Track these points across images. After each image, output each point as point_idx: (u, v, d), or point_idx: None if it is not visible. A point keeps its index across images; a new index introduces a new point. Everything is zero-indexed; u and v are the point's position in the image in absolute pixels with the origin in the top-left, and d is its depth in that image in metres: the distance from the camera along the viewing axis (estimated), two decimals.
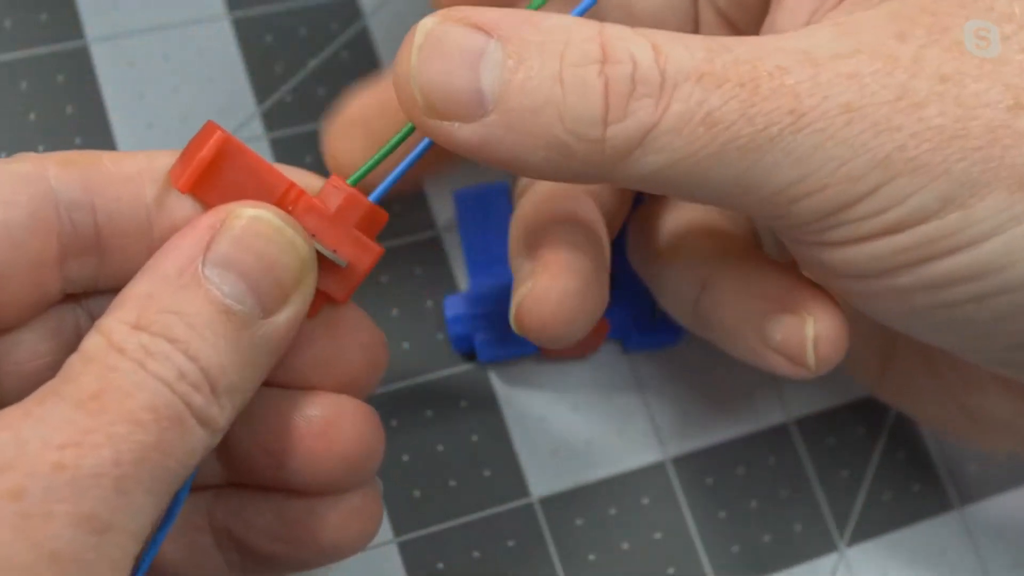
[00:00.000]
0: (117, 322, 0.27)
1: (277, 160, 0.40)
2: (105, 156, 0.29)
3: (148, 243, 0.29)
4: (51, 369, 0.27)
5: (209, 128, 0.29)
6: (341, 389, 0.31)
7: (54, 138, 0.39)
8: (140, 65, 0.41)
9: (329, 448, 0.30)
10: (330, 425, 0.30)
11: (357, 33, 0.43)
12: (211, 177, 0.29)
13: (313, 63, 0.42)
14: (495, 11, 0.29)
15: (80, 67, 0.40)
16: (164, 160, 0.29)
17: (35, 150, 0.39)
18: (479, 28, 0.28)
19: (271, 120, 0.41)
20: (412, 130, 0.30)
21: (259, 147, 0.40)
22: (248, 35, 0.42)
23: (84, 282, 0.29)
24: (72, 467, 0.24)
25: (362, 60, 0.42)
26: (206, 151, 0.29)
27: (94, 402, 0.25)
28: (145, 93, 0.40)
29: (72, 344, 0.27)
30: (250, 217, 0.28)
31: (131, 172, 0.29)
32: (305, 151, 0.41)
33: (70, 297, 0.30)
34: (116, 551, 0.25)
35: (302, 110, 0.41)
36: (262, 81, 0.41)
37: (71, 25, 0.40)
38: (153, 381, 0.26)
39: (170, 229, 0.29)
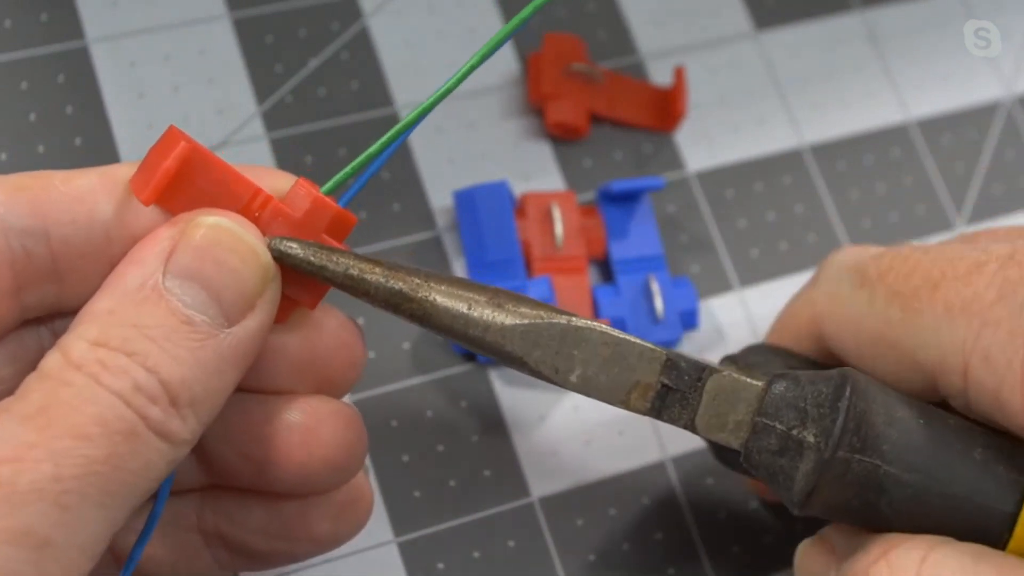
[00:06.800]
0: (77, 338, 0.26)
1: (277, 161, 0.40)
2: (56, 176, 0.28)
3: (108, 259, 0.28)
4: (11, 394, 0.26)
5: (173, 135, 0.28)
6: (319, 389, 0.31)
7: (54, 138, 0.39)
8: (140, 65, 0.41)
9: (310, 455, 0.30)
10: (309, 432, 0.30)
11: (357, 33, 0.43)
12: (175, 187, 0.28)
13: (313, 63, 0.42)
14: None
15: (80, 67, 0.40)
16: (121, 172, 0.29)
17: (35, 150, 0.39)
18: None
19: (271, 120, 0.41)
20: (391, 141, 0.30)
21: (259, 147, 0.40)
22: (248, 35, 0.42)
23: (45, 308, 0.29)
24: (7, 483, 0.24)
25: (362, 60, 0.42)
26: (171, 161, 0.28)
27: (41, 416, 0.25)
28: (145, 93, 0.40)
29: (35, 366, 0.26)
30: (209, 226, 0.27)
31: (84, 191, 0.28)
32: (305, 151, 0.41)
33: (31, 320, 0.29)
34: (56, 566, 0.24)
35: (302, 110, 0.41)
36: (262, 81, 0.41)
37: (71, 25, 0.40)
38: (106, 394, 0.25)
39: (131, 240, 0.28)
